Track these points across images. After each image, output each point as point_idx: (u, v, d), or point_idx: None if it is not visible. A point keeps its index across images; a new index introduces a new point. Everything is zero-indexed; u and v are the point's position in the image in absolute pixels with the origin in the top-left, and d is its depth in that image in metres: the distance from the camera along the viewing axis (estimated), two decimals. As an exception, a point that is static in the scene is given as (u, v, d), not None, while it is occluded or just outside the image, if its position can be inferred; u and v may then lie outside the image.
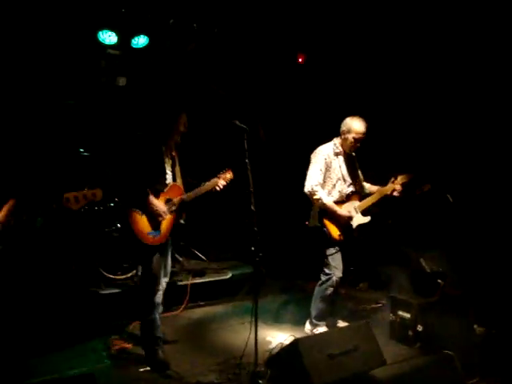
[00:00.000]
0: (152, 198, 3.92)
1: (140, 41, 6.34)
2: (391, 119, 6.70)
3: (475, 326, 4.51)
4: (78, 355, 4.04)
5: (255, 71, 7.22)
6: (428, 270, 4.60)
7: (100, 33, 5.97)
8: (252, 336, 3.61)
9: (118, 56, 6.59)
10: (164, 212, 3.96)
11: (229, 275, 5.92)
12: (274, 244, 6.37)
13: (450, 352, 3.91)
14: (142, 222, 3.91)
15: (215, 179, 4.32)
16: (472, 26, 5.69)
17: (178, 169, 4.25)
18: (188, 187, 4.24)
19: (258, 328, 3.68)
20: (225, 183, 4.36)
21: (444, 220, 5.65)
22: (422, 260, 4.68)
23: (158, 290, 4.04)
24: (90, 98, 6.69)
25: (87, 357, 4.03)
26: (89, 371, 3.66)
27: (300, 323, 4.71)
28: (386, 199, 4.67)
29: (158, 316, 4.04)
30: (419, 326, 4.23)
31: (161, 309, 4.12)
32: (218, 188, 4.30)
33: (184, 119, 4.15)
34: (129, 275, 5.51)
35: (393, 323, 4.49)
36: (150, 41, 6.36)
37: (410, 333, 4.28)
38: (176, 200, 4.11)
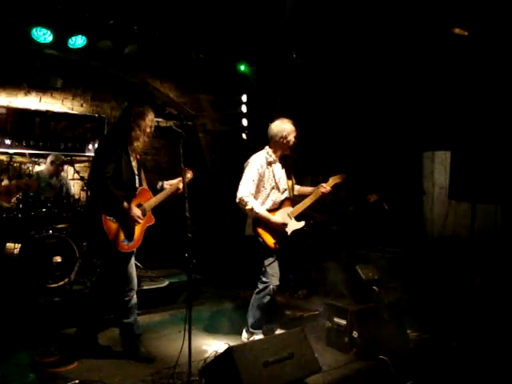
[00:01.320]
0: (127, 204, 3.83)
1: (77, 41, 6.16)
2: (328, 127, 6.88)
3: (409, 331, 4.62)
4: (0, 370, 3.79)
5: (200, 74, 7.22)
6: (363, 277, 4.65)
7: (34, 30, 5.73)
8: (186, 345, 3.51)
9: (54, 56, 6.38)
10: (139, 217, 3.90)
11: (165, 283, 5.81)
12: (212, 252, 6.33)
13: (384, 357, 3.99)
14: (117, 230, 3.81)
15: (176, 180, 4.27)
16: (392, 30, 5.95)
17: (142, 172, 4.17)
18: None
19: (195, 337, 3.60)
20: (185, 183, 4.31)
21: (380, 227, 5.80)
22: (357, 267, 4.73)
23: (134, 294, 4.03)
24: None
25: (9, 371, 3.78)
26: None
27: (237, 331, 4.64)
28: (325, 204, 4.73)
29: (136, 317, 4.08)
30: (355, 332, 4.26)
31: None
32: (180, 188, 4.20)
33: (150, 116, 4.00)
34: (61, 284, 5.30)
35: (329, 330, 4.51)
36: (88, 41, 6.19)
37: (346, 339, 4.30)
38: (147, 205, 4.05)
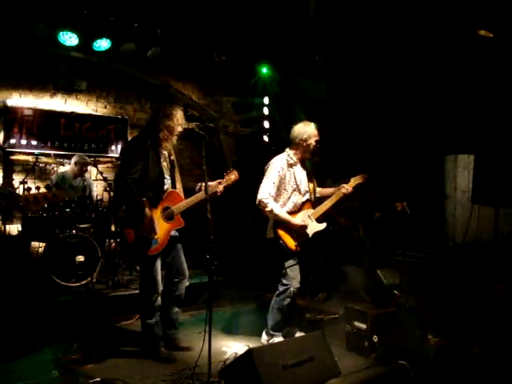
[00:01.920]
0: (148, 212, 3.77)
1: (102, 44, 6.27)
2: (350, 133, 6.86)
3: (430, 337, 4.57)
4: (25, 366, 3.88)
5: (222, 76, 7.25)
6: (384, 281, 4.62)
7: (61, 33, 5.85)
8: (206, 346, 3.54)
9: (80, 59, 6.50)
10: (154, 232, 3.83)
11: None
12: (233, 254, 6.34)
13: (404, 362, 3.95)
14: (137, 233, 3.79)
15: (214, 183, 4.16)
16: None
17: (177, 174, 4.10)
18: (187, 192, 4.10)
19: (214, 338, 3.60)
20: (226, 185, 4.23)
21: (402, 231, 5.75)
22: (378, 271, 4.71)
23: (158, 296, 4.03)
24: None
25: (35, 367, 3.86)
26: (34, 383, 3.54)
27: (257, 333, 4.65)
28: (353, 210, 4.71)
29: (158, 318, 4.10)
30: (375, 336, 4.23)
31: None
32: (218, 191, 4.14)
33: (178, 117, 3.96)
34: (83, 282, 5.38)
35: (349, 334, 4.48)
36: (113, 44, 6.29)
37: (366, 343, 4.27)
38: (175, 208, 3.97)
